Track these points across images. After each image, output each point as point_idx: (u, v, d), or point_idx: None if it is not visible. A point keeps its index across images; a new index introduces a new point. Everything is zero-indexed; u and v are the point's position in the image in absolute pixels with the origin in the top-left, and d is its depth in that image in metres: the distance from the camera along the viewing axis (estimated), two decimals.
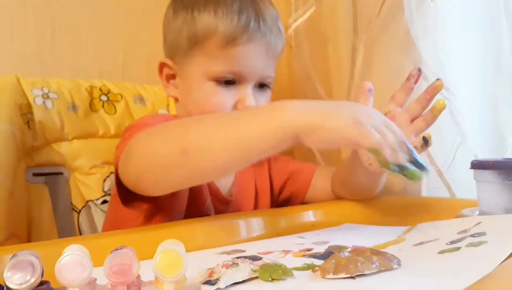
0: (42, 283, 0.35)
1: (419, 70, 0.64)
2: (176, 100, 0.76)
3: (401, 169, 0.49)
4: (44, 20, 1.00)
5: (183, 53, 0.71)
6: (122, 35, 1.10)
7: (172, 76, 0.75)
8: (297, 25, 0.92)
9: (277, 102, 0.50)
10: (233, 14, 0.67)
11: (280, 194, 0.84)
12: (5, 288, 0.35)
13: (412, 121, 0.64)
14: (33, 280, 0.34)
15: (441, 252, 0.46)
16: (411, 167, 0.49)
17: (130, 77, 1.10)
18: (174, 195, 0.61)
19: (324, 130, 0.47)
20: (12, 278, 0.34)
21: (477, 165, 0.54)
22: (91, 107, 0.85)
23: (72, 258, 0.34)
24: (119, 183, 0.60)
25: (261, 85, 0.73)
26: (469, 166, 0.55)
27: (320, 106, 0.50)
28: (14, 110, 0.73)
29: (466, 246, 0.45)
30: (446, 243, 0.48)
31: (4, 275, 0.34)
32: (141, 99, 0.91)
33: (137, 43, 1.12)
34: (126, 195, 0.59)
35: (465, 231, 0.50)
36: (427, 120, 0.64)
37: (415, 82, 0.64)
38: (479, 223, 0.50)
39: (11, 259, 0.35)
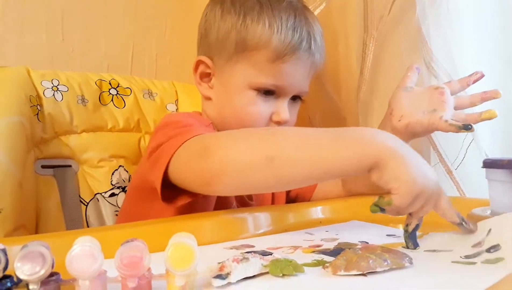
0: (52, 274, 0.35)
1: (483, 74, 0.67)
2: (208, 99, 0.76)
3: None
4: (55, 14, 1.01)
5: (227, 56, 0.72)
6: (131, 30, 1.11)
7: (207, 75, 0.75)
8: None
9: (363, 129, 0.53)
10: (288, 31, 0.69)
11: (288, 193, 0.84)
12: (14, 279, 0.35)
13: (455, 108, 0.67)
14: (43, 271, 0.34)
15: (454, 262, 0.45)
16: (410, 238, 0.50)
17: (138, 71, 1.10)
18: (206, 197, 0.62)
19: (400, 163, 0.46)
20: (22, 269, 0.34)
21: (490, 164, 0.53)
22: (100, 100, 0.85)
23: (83, 250, 0.34)
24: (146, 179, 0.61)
25: (295, 97, 0.75)
26: (480, 165, 0.54)
27: (400, 144, 0.48)
28: (24, 101, 0.73)
29: (482, 262, 0.44)
30: (461, 257, 0.46)
31: (14, 265, 0.34)
32: (150, 94, 0.91)
33: (146, 38, 1.13)
34: (166, 191, 0.59)
35: (479, 243, 0.49)
36: (469, 116, 0.66)
37: (474, 81, 0.68)
38: (490, 230, 0.49)
39: (21, 249, 0.35)
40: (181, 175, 0.58)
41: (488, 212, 0.54)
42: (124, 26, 1.10)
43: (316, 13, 0.90)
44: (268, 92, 0.71)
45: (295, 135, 0.53)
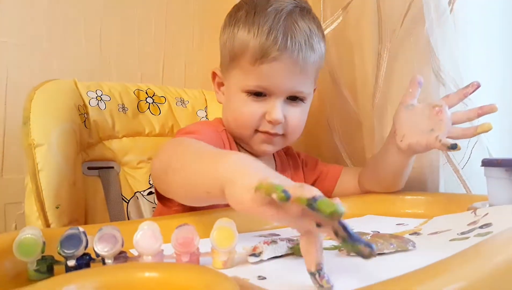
0: (121, 252, 0.44)
1: (479, 84, 0.70)
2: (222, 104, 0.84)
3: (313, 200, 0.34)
4: (93, 30, 1.10)
5: (226, 66, 0.78)
6: (162, 42, 1.20)
7: (222, 84, 0.82)
8: (325, 34, 0.98)
9: (228, 152, 0.52)
10: (263, 33, 0.71)
11: None
12: (92, 255, 0.44)
13: (453, 124, 0.69)
14: (116, 249, 0.43)
15: (451, 240, 0.53)
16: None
17: (169, 80, 1.20)
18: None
19: (233, 187, 0.41)
20: (99, 247, 0.43)
21: (487, 163, 0.61)
22: (138, 108, 0.94)
23: (147, 232, 0.43)
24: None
25: (294, 98, 0.76)
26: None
27: (251, 165, 0.43)
28: (73, 110, 0.82)
29: (475, 236, 0.52)
30: (457, 234, 0.54)
31: (93, 244, 0.43)
32: (182, 101, 0.99)
33: (175, 50, 1.22)
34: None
35: (474, 222, 0.56)
36: (466, 130, 0.69)
37: (471, 92, 0.70)
38: (487, 214, 0.56)
39: (98, 232, 0.44)
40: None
41: (487, 206, 0.62)
42: (155, 39, 1.19)
43: (333, 26, 0.97)
44: (258, 94, 0.75)
45: (188, 150, 0.57)
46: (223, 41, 0.79)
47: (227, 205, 0.42)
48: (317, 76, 0.81)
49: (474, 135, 0.69)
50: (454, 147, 0.65)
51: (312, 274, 0.37)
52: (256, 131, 0.77)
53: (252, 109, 0.75)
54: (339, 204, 0.33)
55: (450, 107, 0.70)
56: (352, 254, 0.41)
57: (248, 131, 0.77)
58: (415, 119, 0.72)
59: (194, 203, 0.61)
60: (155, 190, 0.67)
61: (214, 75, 0.83)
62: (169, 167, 0.56)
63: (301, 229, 0.38)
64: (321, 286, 0.36)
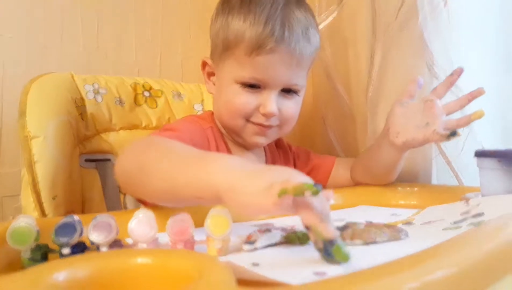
0: (115, 241, 0.45)
1: (462, 68, 0.70)
2: (213, 95, 0.83)
3: (329, 244, 0.38)
4: (91, 25, 1.11)
5: (218, 55, 0.76)
6: (158, 37, 1.20)
7: (212, 74, 0.81)
8: (320, 28, 0.98)
9: (214, 154, 0.49)
10: (260, 23, 0.69)
11: None
12: (87, 244, 0.45)
13: (447, 115, 0.70)
14: (111, 237, 0.43)
15: (444, 229, 0.53)
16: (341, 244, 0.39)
17: (166, 74, 1.20)
18: None
19: (238, 193, 0.41)
20: (94, 235, 0.43)
21: (480, 154, 0.61)
22: (135, 101, 0.94)
23: (141, 220, 0.44)
24: None
25: (288, 90, 0.75)
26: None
27: (245, 167, 0.44)
28: (70, 103, 0.82)
29: (467, 225, 0.52)
30: (450, 223, 0.55)
31: (88, 232, 0.43)
32: (179, 95, 1.00)
33: (172, 44, 1.22)
34: None
35: (467, 212, 0.57)
36: (460, 120, 0.69)
37: (456, 79, 0.70)
38: (479, 204, 0.57)
39: (93, 220, 0.44)
40: None
41: (479, 196, 0.62)
42: (152, 34, 1.19)
43: (328, 20, 0.97)
44: (253, 86, 0.73)
45: (166, 151, 0.53)
46: (215, 30, 0.76)
47: None
48: (310, 68, 0.80)
49: (469, 123, 0.69)
50: (454, 134, 0.65)
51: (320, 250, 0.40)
52: (248, 121, 0.75)
53: (246, 100, 0.73)
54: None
55: (440, 98, 0.70)
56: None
57: (239, 121, 0.75)
58: (408, 115, 0.71)
59: (173, 205, 0.56)
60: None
61: (204, 64, 0.81)
62: (140, 170, 0.52)
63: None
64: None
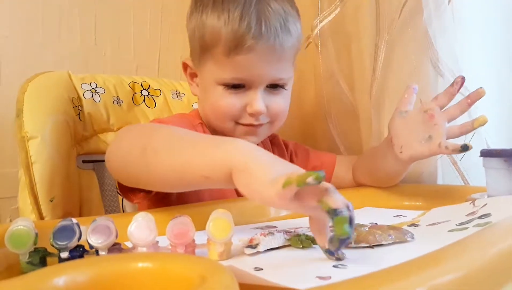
0: (115, 243, 0.43)
1: (463, 78, 0.67)
2: (197, 96, 0.80)
3: (334, 213, 0.39)
4: (88, 22, 1.09)
5: (197, 56, 0.73)
6: (157, 34, 1.19)
7: (195, 75, 0.78)
8: (323, 25, 0.97)
9: (230, 139, 0.48)
10: (235, 20, 0.66)
11: None
12: (86, 247, 0.43)
13: (449, 121, 0.67)
14: (109, 240, 0.42)
15: (450, 231, 0.52)
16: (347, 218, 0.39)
17: (164, 72, 1.19)
18: (182, 194, 0.65)
19: (250, 176, 0.42)
20: (93, 238, 0.42)
21: (485, 154, 0.60)
22: (134, 100, 0.93)
23: (141, 223, 0.42)
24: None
25: (274, 86, 0.73)
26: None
27: (262, 154, 0.45)
28: (67, 103, 0.81)
29: (474, 226, 0.51)
30: (456, 224, 0.54)
31: (87, 235, 0.42)
32: (177, 94, 0.98)
33: (171, 42, 1.21)
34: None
35: (473, 213, 0.56)
36: (463, 128, 0.67)
37: (458, 89, 0.67)
38: (486, 204, 0.56)
39: (91, 223, 0.43)
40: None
41: (485, 196, 0.61)
42: (151, 31, 1.18)
43: (330, 17, 0.96)
44: (236, 86, 0.70)
45: (174, 132, 0.54)
46: (191, 29, 0.73)
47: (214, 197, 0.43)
48: (295, 58, 0.77)
49: (472, 130, 0.67)
50: (465, 148, 0.62)
51: (327, 250, 0.42)
52: (237, 123, 0.73)
53: (231, 101, 0.71)
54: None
55: (441, 108, 0.68)
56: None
57: (228, 124, 0.73)
58: (409, 127, 0.68)
59: (181, 189, 0.57)
60: (118, 183, 0.63)
61: (185, 66, 0.78)
62: (144, 151, 0.51)
63: (311, 213, 0.42)
64: (338, 258, 0.41)
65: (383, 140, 0.77)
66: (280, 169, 0.41)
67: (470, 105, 0.67)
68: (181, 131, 0.55)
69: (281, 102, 0.74)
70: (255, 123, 0.73)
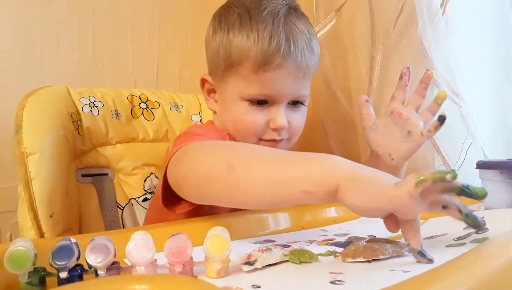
0: (113, 262, 0.44)
1: (408, 68, 0.72)
2: (215, 112, 0.81)
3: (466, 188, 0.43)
4: (86, 35, 1.10)
5: (220, 73, 0.75)
6: (155, 46, 1.19)
7: (212, 91, 0.80)
8: (319, 36, 0.98)
9: (325, 154, 0.50)
10: (265, 40, 0.69)
11: None
12: (85, 266, 0.44)
13: (416, 110, 0.71)
14: (108, 259, 0.42)
15: (448, 246, 0.52)
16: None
17: (163, 84, 1.19)
18: (213, 207, 0.67)
19: (365, 182, 0.45)
20: (91, 258, 0.42)
21: (482, 165, 0.61)
22: (132, 114, 0.93)
23: (139, 242, 0.43)
24: (166, 184, 0.63)
25: (295, 102, 0.75)
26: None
27: (361, 165, 0.48)
28: (66, 117, 0.81)
29: (471, 242, 0.51)
30: (454, 239, 0.54)
31: (85, 255, 0.42)
32: (176, 106, 0.99)
33: (169, 54, 1.21)
34: (170, 196, 0.64)
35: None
36: (432, 109, 0.71)
37: (408, 80, 0.72)
38: (483, 217, 0.56)
39: (90, 242, 0.43)
40: (170, 180, 0.63)
41: (482, 208, 0.62)
42: (149, 43, 1.19)
43: (326, 29, 0.97)
44: (261, 102, 0.73)
45: (260, 150, 0.56)
46: (215, 47, 0.75)
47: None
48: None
49: (439, 107, 0.70)
50: (443, 119, 0.66)
51: (419, 253, 0.45)
52: (260, 139, 0.75)
53: (255, 118, 0.73)
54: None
55: (403, 102, 0.72)
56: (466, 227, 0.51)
57: (251, 139, 0.75)
58: (386, 134, 0.73)
59: (273, 205, 0.59)
60: (162, 193, 0.64)
61: (203, 81, 0.80)
62: (231, 169, 0.52)
63: (429, 210, 0.45)
64: (430, 260, 0.45)
65: (367, 159, 0.79)
66: (385, 174, 0.46)
67: (425, 88, 0.71)
68: (260, 148, 0.57)
69: (300, 118, 0.77)
70: (277, 138, 0.75)
